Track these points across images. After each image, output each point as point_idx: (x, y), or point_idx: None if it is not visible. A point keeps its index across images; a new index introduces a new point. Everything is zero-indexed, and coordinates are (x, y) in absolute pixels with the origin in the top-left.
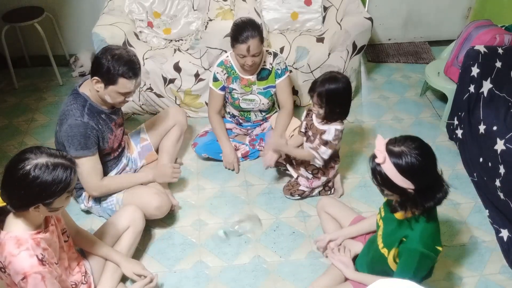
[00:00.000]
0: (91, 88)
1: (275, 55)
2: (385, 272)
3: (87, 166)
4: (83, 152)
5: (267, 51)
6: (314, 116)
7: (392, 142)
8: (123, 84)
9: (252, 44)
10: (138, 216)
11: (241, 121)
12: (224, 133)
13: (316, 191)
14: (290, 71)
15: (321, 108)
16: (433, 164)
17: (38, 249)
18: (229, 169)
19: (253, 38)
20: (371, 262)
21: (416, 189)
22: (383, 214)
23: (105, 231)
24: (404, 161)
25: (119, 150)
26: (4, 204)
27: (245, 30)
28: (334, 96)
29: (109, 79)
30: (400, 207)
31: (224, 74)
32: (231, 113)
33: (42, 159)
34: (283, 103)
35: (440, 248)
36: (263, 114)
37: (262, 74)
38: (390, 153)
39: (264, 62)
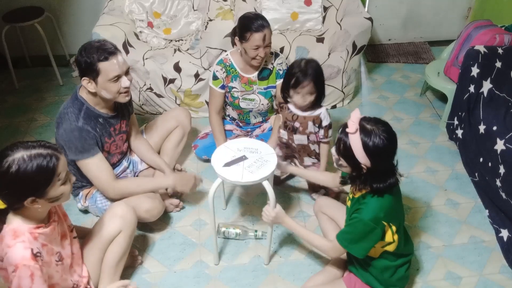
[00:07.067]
0: (87, 92)
1: (276, 55)
2: None
3: (91, 167)
4: (82, 155)
5: None
6: (292, 107)
7: (366, 119)
8: (105, 68)
9: (267, 33)
10: (130, 217)
11: (241, 124)
12: (223, 136)
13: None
14: None
15: (312, 94)
16: (394, 152)
17: (35, 243)
18: None
19: (267, 27)
20: None
21: (371, 168)
22: (350, 196)
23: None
24: (371, 139)
25: (119, 157)
26: (5, 206)
27: (257, 20)
28: (321, 73)
29: (92, 72)
30: (351, 181)
31: (223, 73)
32: (230, 116)
33: (18, 154)
34: None
35: (384, 223)
36: (262, 116)
37: (263, 73)
38: (362, 128)
39: (266, 61)
